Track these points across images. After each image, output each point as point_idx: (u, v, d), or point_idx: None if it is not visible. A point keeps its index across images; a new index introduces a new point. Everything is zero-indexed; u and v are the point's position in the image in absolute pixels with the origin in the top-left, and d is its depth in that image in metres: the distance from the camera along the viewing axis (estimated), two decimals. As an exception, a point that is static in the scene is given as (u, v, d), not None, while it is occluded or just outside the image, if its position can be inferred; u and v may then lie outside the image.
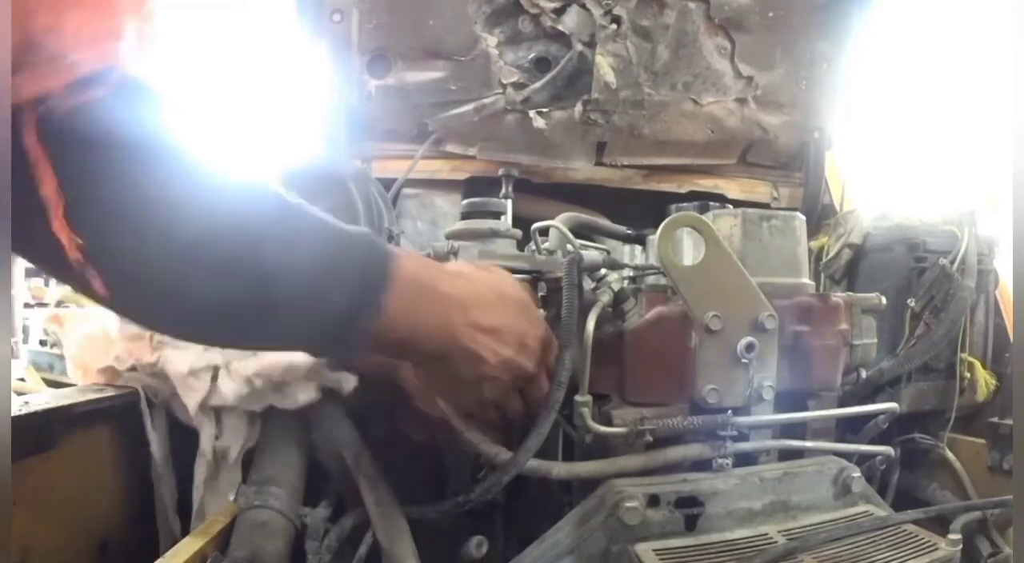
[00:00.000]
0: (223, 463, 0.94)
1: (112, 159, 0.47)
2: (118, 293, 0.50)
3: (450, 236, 0.94)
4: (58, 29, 0.42)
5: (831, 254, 1.33)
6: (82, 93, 0.44)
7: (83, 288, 0.49)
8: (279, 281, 0.53)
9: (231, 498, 0.90)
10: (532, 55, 1.48)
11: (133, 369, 0.99)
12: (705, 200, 0.98)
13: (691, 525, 0.70)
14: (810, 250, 1.33)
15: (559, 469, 0.75)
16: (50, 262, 0.51)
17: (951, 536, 0.68)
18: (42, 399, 0.91)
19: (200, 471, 0.94)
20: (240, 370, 0.91)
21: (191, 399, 0.93)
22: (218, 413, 0.95)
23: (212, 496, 0.94)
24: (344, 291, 0.56)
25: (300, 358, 0.88)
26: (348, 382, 0.88)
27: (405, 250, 0.62)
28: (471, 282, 0.66)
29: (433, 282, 0.62)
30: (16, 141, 0.42)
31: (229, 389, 0.91)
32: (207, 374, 0.92)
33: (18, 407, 0.85)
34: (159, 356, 0.96)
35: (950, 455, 1.12)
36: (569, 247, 0.88)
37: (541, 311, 0.77)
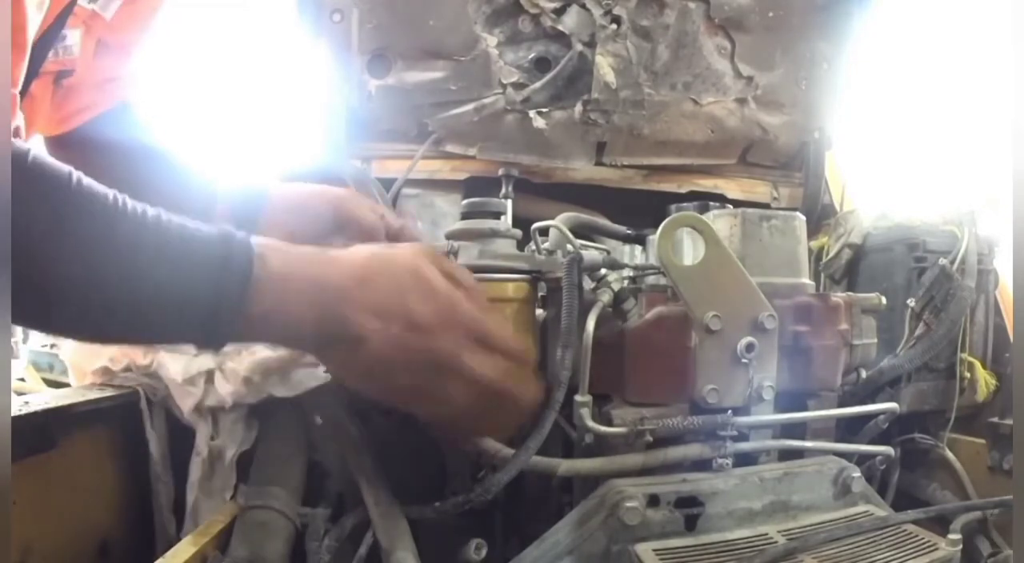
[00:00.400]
0: (218, 464, 0.95)
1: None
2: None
3: (450, 236, 0.94)
4: None
5: (831, 254, 1.33)
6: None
7: None
8: (145, 285, 0.54)
9: (227, 497, 0.90)
10: (532, 55, 1.48)
11: (128, 370, 0.99)
12: (705, 200, 0.98)
13: (691, 525, 0.70)
14: (810, 250, 1.33)
15: (559, 467, 0.75)
16: None
17: (951, 536, 0.68)
18: (42, 399, 0.92)
19: (195, 470, 0.94)
20: (235, 370, 0.91)
21: (186, 403, 0.93)
22: (214, 413, 0.95)
23: (206, 496, 0.95)
24: (203, 290, 0.55)
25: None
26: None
27: (272, 243, 0.59)
28: (349, 263, 0.61)
29: (302, 270, 0.59)
30: None
31: (225, 390, 0.91)
32: (201, 378, 0.92)
33: (18, 407, 0.85)
34: (153, 359, 0.97)
35: (950, 455, 1.12)
36: (569, 247, 0.88)
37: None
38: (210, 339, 0.57)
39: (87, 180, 0.53)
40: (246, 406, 0.95)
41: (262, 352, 0.90)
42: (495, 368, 0.63)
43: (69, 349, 1.05)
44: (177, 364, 0.94)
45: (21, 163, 0.50)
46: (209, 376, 0.93)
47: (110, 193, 0.54)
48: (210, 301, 0.56)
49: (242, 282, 0.56)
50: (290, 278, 0.58)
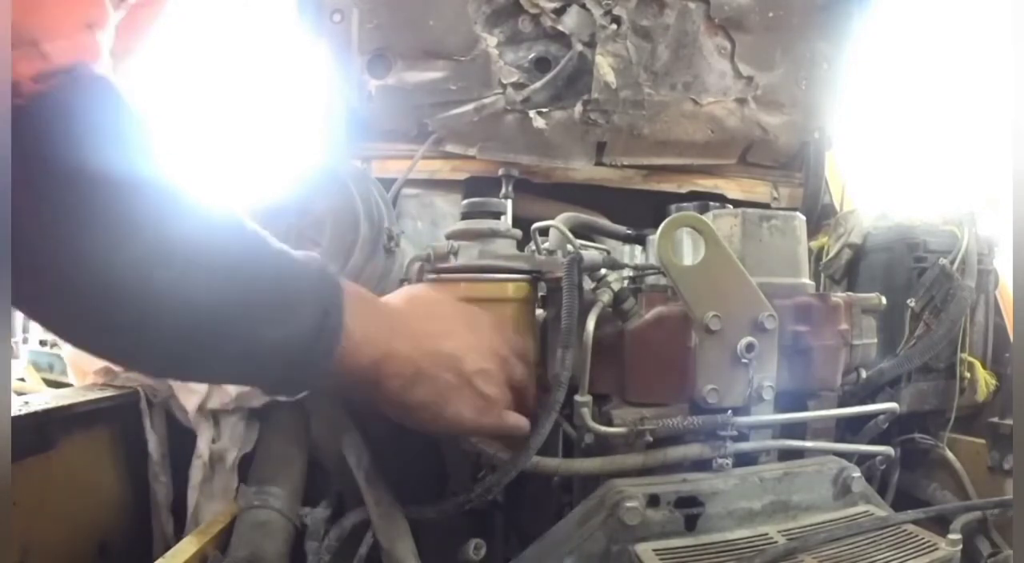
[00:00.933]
0: (219, 466, 0.95)
1: (67, 169, 0.44)
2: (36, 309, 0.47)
3: (450, 236, 0.94)
4: (39, 14, 0.41)
5: (831, 254, 1.33)
6: (47, 84, 0.42)
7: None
8: (234, 315, 0.51)
9: (229, 500, 0.90)
10: (532, 55, 1.48)
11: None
12: (705, 200, 0.98)
13: (691, 525, 0.70)
14: (810, 250, 1.33)
15: (559, 467, 0.75)
16: None
17: (951, 536, 0.68)
18: (42, 399, 0.92)
19: (196, 473, 0.94)
20: None
21: (189, 401, 0.93)
22: (216, 416, 0.95)
23: (207, 499, 0.95)
24: (302, 317, 0.54)
25: None
26: None
27: (352, 289, 0.60)
28: (405, 299, 0.67)
29: (376, 302, 0.63)
30: None
31: (230, 391, 0.91)
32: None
33: (18, 407, 0.85)
34: None
35: (950, 455, 1.12)
36: (569, 247, 0.88)
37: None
38: (309, 361, 0.55)
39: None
40: (247, 408, 0.95)
41: None
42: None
43: (70, 349, 1.05)
44: None
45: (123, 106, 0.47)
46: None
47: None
48: (313, 314, 0.54)
49: (337, 293, 0.56)
50: (370, 309, 0.61)
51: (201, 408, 0.94)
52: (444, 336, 0.65)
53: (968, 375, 1.14)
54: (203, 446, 0.94)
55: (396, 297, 0.69)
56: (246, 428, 0.95)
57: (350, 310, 0.57)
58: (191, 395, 0.93)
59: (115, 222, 0.45)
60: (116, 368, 0.99)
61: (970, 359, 1.14)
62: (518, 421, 0.71)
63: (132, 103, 0.47)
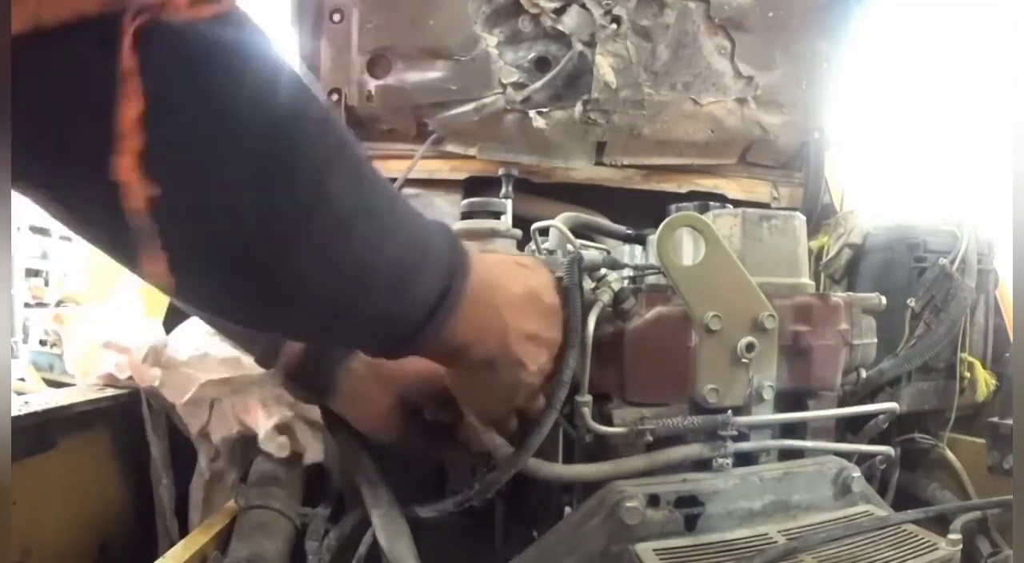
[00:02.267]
0: (219, 486, 0.95)
1: (222, 92, 0.38)
2: (183, 264, 0.41)
3: (450, 236, 0.94)
4: None
5: (831, 254, 1.33)
6: (203, 8, 0.37)
7: (127, 257, 0.40)
8: (375, 255, 0.48)
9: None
10: (532, 55, 1.48)
11: (131, 378, 0.99)
12: (705, 200, 0.98)
13: (691, 525, 0.69)
14: (810, 250, 1.33)
15: (560, 472, 0.75)
16: (91, 218, 0.40)
17: (951, 536, 0.68)
18: (42, 399, 0.92)
19: (196, 492, 0.95)
20: (234, 413, 0.91)
21: (192, 424, 0.93)
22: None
23: (209, 516, 0.95)
24: (430, 282, 0.52)
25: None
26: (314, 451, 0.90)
27: (470, 246, 0.58)
28: (519, 286, 0.65)
29: (493, 284, 0.60)
30: (96, 52, 0.34)
31: (225, 429, 0.91)
32: (204, 405, 0.92)
33: (18, 407, 0.85)
34: (158, 381, 0.97)
35: (950, 455, 1.12)
36: (569, 247, 0.88)
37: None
38: (419, 331, 0.53)
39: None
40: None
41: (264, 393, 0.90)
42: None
43: (74, 353, 1.05)
44: (183, 388, 0.93)
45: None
46: (211, 405, 0.92)
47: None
48: (440, 283, 0.53)
49: (463, 279, 0.55)
50: (485, 287, 0.58)
51: (202, 432, 0.94)
52: (528, 341, 0.65)
53: (968, 375, 1.14)
54: (204, 464, 0.94)
55: (513, 276, 0.65)
56: (243, 451, 0.96)
57: (469, 295, 0.55)
58: (194, 419, 0.93)
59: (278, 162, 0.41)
60: (120, 376, 0.99)
61: (970, 359, 1.15)
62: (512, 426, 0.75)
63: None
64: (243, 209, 0.40)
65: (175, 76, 0.36)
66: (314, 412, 0.91)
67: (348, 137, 0.47)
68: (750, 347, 0.72)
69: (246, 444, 0.95)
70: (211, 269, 0.43)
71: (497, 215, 0.94)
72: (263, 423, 0.91)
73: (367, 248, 0.47)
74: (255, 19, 0.41)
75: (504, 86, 1.50)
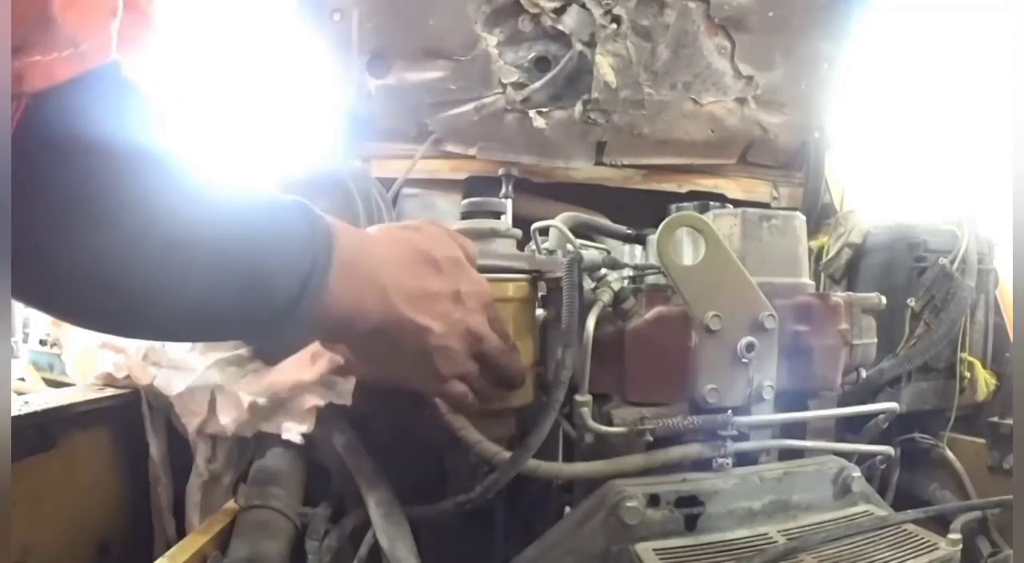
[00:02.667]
0: (215, 487, 0.95)
1: (97, 165, 0.42)
2: (66, 296, 0.45)
3: (450, 236, 0.94)
4: (76, 7, 0.37)
5: (831, 254, 1.33)
6: (84, 90, 0.39)
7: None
8: (219, 254, 0.49)
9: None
10: (532, 55, 1.48)
11: (129, 377, 0.99)
12: (705, 200, 0.98)
13: (691, 525, 0.70)
14: (810, 250, 1.33)
15: (560, 470, 0.75)
16: None
17: (951, 536, 0.68)
18: (42, 399, 0.92)
19: (194, 493, 0.94)
20: (240, 392, 0.91)
21: (190, 422, 0.93)
22: (214, 438, 0.95)
23: (206, 517, 0.95)
24: (291, 267, 0.52)
25: (305, 375, 0.88)
26: (346, 393, 0.88)
27: (337, 221, 0.57)
28: (399, 246, 0.63)
29: (367, 252, 0.59)
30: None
31: (228, 417, 0.91)
32: (204, 395, 0.92)
33: (18, 407, 0.85)
34: (156, 376, 0.96)
35: (950, 455, 1.12)
36: (569, 247, 0.88)
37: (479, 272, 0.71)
38: (289, 314, 0.52)
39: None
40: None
41: (271, 376, 0.90)
42: (497, 346, 0.69)
43: (73, 354, 1.05)
44: (182, 380, 0.93)
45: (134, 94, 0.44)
46: (212, 402, 0.92)
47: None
48: (302, 266, 0.51)
49: (327, 254, 0.53)
50: (357, 259, 0.57)
51: (200, 430, 0.94)
52: (421, 301, 0.62)
53: (968, 375, 1.14)
54: (201, 464, 0.94)
55: (391, 239, 0.64)
56: (241, 452, 0.95)
57: (337, 268, 0.54)
58: (192, 416, 0.93)
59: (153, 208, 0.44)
60: (118, 375, 0.99)
61: (970, 359, 1.14)
62: (456, 390, 0.69)
63: (147, 96, 0.45)
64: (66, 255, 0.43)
65: (55, 158, 0.40)
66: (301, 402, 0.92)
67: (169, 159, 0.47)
68: (750, 347, 0.72)
69: (243, 445, 0.95)
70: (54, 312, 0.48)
71: (497, 215, 0.94)
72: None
73: (206, 263, 0.48)
74: (139, 78, 0.43)
75: (504, 86, 1.50)
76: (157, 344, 0.97)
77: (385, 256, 0.61)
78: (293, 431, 0.90)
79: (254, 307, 0.52)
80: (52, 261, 0.43)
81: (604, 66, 1.45)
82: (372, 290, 0.58)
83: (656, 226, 0.73)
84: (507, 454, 0.75)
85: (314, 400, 0.88)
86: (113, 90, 0.42)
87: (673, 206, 0.99)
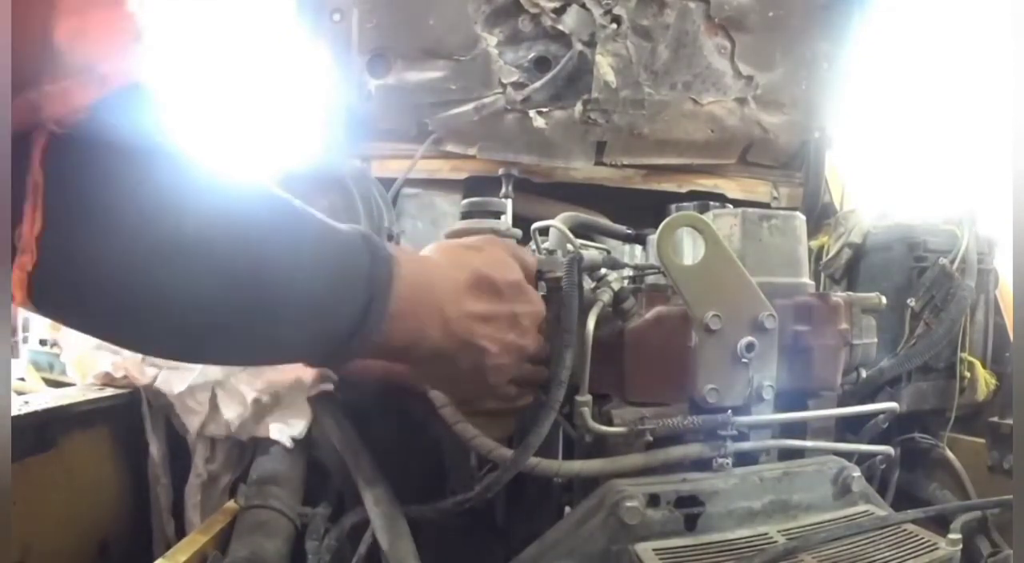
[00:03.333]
0: (213, 488, 0.95)
1: (110, 169, 0.42)
2: (91, 309, 0.45)
3: (450, 235, 0.94)
4: (84, 34, 0.37)
5: (831, 254, 1.33)
6: (109, 112, 0.39)
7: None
8: (281, 290, 0.50)
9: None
10: (532, 55, 1.48)
11: (127, 377, 0.99)
12: (705, 200, 0.98)
13: (691, 525, 0.70)
14: (810, 250, 1.33)
15: (559, 468, 0.75)
16: None
17: (951, 536, 0.68)
18: (42, 399, 0.92)
19: (193, 494, 0.95)
20: (242, 386, 0.91)
21: (191, 421, 0.93)
22: (213, 439, 0.95)
23: (205, 517, 0.95)
24: (350, 301, 0.54)
25: (305, 373, 0.88)
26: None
27: (399, 248, 0.61)
28: (461, 271, 0.65)
29: (429, 279, 0.62)
30: (23, 163, 0.37)
31: (232, 412, 0.91)
32: (205, 396, 0.92)
33: (18, 407, 0.85)
34: (155, 376, 0.96)
35: (950, 455, 1.12)
36: (569, 247, 0.88)
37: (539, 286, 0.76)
38: (350, 344, 0.55)
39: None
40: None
41: (271, 373, 0.90)
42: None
43: (72, 354, 1.05)
44: (182, 379, 0.93)
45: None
46: (213, 400, 0.92)
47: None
48: (361, 299, 0.54)
49: (388, 284, 0.55)
50: (418, 286, 0.59)
51: (200, 432, 0.94)
52: (480, 325, 0.64)
53: (968, 375, 1.14)
54: (200, 465, 0.94)
55: (453, 263, 0.66)
56: (239, 454, 0.95)
57: (396, 294, 0.56)
58: (193, 415, 0.93)
59: (166, 209, 0.44)
60: (116, 373, 0.99)
61: (970, 359, 1.14)
62: (506, 392, 0.74)
63: (166, 99, 0.45)
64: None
65: (73, 181, 0.40)
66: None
67: (240, 190, 0.49)
68: (750, 347, 0.72)
69: (242, 446, 0.95)
70: (111, 311, 0.46)
71: (497, 215, 0.94)
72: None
73: (268, 298, 0.50)
74: (152, 83, 0.43)
75: (504, 86, 1.50)
76: None
77: (446, 282, 0.63)
78: (284, 434, 0.90)
79: (318, 336, 0.55)
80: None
81: (604, 66, 1.45)
82: (432, 317, 0.61)
83: (656, 226, 0.73)
84: (505, 450, 0.76)
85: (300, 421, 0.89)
86: (140, 110, 0.42)
87: (673, 206, 0.99)
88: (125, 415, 0.98)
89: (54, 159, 0.38)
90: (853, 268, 1.30)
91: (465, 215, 0.94)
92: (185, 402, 0.93)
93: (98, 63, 0.38)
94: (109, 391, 0.99)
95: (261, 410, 0.90)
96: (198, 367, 0.92)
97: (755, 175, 1.72)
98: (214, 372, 0.91)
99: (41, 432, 0.86)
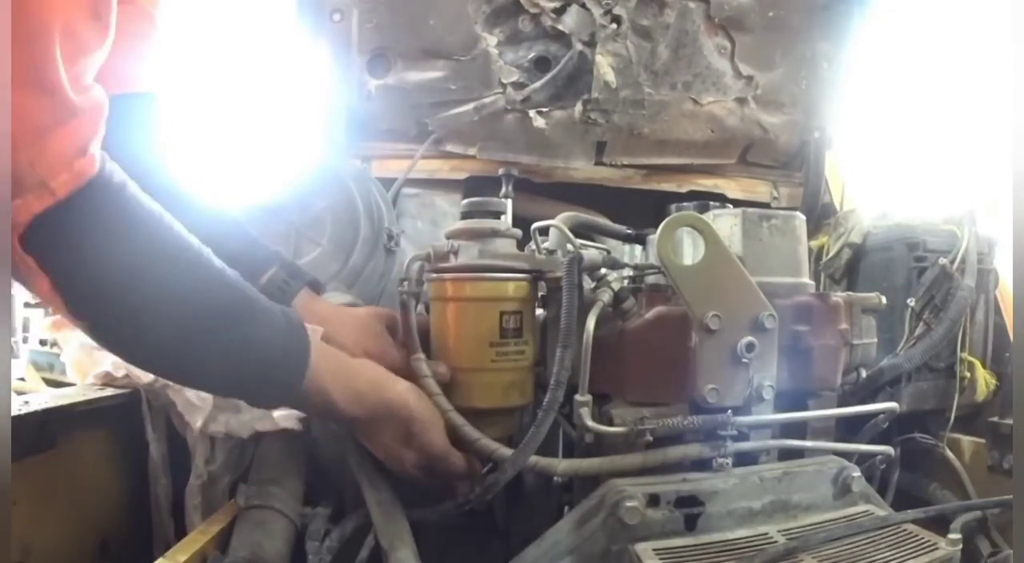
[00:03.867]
0: (212, 489, 0.95)
1: (99, 250, 0.56)
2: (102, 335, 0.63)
3: (450, 236, 0.94)
4: (40, 160, 0.50)
5: (831, 254, 1.33)
6: (65, 209, 0.52)
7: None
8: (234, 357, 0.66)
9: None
10: (532, 55, 1.48)
11: (127, 377, 0.99)
12: (705, 200, 0.98)
13: (691, 525, 0.70)
14: (810, 250, 1.33)
15: (560, 467, 0.75)
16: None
17: (951, 536, 0.68)
18: (42, 399, 0.92)
19: (194, 494, 0.94)
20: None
21: (194, 419, 0.93)
22: (213, 439, 0.95)
23: (205, 518, 0.95)
24: (284, 366, 0.68)
25: None
26: None
27: (315, 342, 0.72)
28: (362, 404, 0.75)
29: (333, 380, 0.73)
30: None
31: (234, 406, 0.91)
32: (206, 397, 0.92)
33: (18, 407, 0.85)
34: (156, 377, 0.96)
35: (950, 455, 1.12)
36: (569, 247, 0.88)
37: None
38: (270, 391, 0.70)
39: (168, 217, 0.62)
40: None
41: None
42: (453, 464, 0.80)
43: (72, 354, 1.05)
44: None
45: (118, 194, 0.58)
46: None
47: (193, 241, 0.63)
48: (290, 364, 0.68)
49: (304, 358, 0.69)
50: (325, 378, 0.71)
51: (203, 427, 0.94)
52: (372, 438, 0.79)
53: (968, 375, 1.14)
54: (201, 465, 0.94)
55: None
56: (239, 454, 0.95)
57: (315, 347, 0.70)
58: (196, 412, 0.93)
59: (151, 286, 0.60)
60: (116, 374, 0.99)
61: (970, 359, 1.14)
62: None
63: (133, 191, 0.59)
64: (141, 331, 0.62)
65: (62, 256, 0.55)
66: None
67: (206, 268, 0.64)
68: (750, 347, 0.72)
69: (242, 446, 0.95)
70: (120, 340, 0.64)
71: (497, 215, 0.94)
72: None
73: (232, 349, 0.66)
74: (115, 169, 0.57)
75: (504, 86, 1.50)
76: None
77: (354, 406, 0.75)
78: (291, 420, 0.90)
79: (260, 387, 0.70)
80: None
81: (604, 66, 1.45)
82: (350, 375, 0.75)
83: (656, 226, 0.73)
84: (507, 451, 0.76)
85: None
86: (99, 192, 0.55)
87: (673, 206, 0.99)
88: (125, 415, 0.98)
89: (36, 245, 0.53)
90: (853, 268, 1.29)
91: (465, 215, 0.94)
92: (188, 399, 0.93)
93: (52, 179, 0.51)
94: (109, 391, 0.99)
95: (245, 442, 0.91)
96: None
97: (755, 175, 1.72)
98: None
99: (41, 432, 0.86)
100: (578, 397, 0.75)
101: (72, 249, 0.55)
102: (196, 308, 0.62)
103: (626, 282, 0.88)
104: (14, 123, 0.48)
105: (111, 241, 0.57)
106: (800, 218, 0.86)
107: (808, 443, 0.79)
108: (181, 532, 0.97)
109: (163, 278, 0.60)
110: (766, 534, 0.69)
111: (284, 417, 0.90)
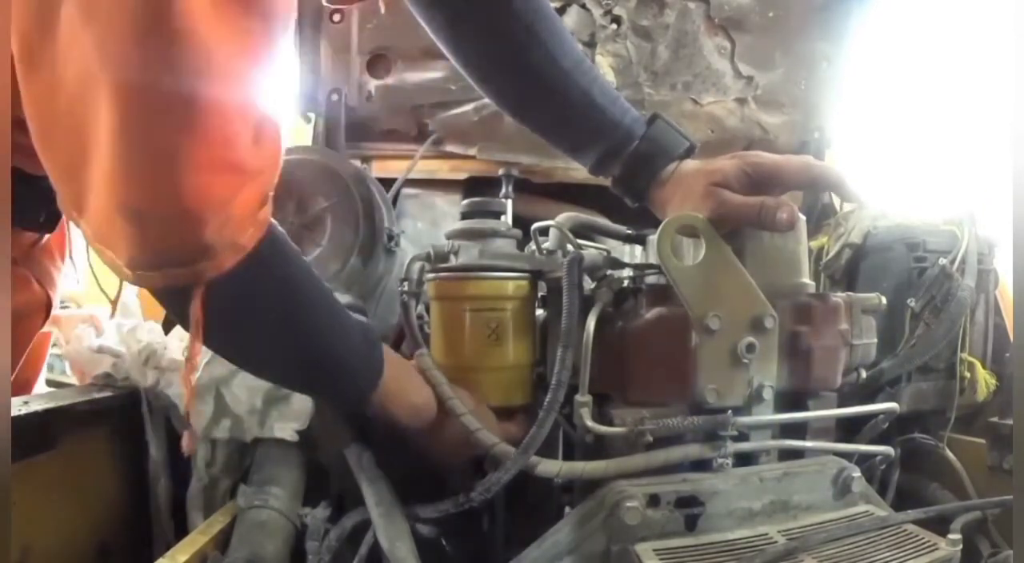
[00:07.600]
0: (216, 489, 0.95)
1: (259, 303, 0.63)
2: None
3: (450, 236, 0.94)
4: (228, 224, 0.54)
5: (831, 254, 1.32)
6: (256, 260, 0.57)
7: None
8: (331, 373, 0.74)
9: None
10: (532, 55, 1.47)
11: (127, 378, 0.99)
12: (705, 200, 0.98)
13: (691, 525, 0.70)
14: (810, 250, 1.33)
15: (557, 468, 0.75)
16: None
17: (951, 536, 0.68)
18: (42, 399, 0.92)
19: (195, 497, 0.94)
20: (247, 384, 0.91)
21: (197, 421, 0.93)
22: (214, 441, 0.95)
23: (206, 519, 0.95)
24: (364, 378, 0.75)
25: None
26: None
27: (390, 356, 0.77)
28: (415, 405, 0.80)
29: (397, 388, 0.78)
30: (178, 303, 0.58)
31: (241, 407, 0.91)
32: (210, 391, 0.92)
33: (18, 407, 0.85)
34: (156, 379, 0.96)
35: (950, 455, 1.12)
36: (569, 247, 0.88)
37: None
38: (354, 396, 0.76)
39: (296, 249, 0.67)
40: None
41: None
42: None
43: (72, 353, 1.05)
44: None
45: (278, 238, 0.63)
46: (218, 398, 0.92)
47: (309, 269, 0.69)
48: (367, 382, 0.74)
49: (379, 359, 0.75)
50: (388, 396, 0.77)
51: (207, 430, 0.94)
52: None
53: (968, 375, 1.14)
54: (201, 468, 0.94)
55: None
56: (240, 457, 0.95)
57: (387, 359, 0.76)
58: (199, 416, 0.93)
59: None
60: (116, 373, 0.99)
61: (970, 359, 1.14)
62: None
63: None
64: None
65: (229, 312, 0.61)
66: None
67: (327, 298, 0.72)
68: (750, 347, 0.72)
69: (243, 449, 0.95)
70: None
71: (497, 215, 0.94)
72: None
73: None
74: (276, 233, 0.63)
75: (504, 86, 1.49)
76: (158, 348, 0.97)
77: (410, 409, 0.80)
78: (287, 430, 0.90)
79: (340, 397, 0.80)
80: None
81: (604, 66, 1.45)
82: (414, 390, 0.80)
83: (656, 226, 0.73)
84: (506, 446, 0.76)
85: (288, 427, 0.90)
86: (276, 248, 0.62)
87: (673, 206, 0.98)
88: (125, 415, 0.98)
89: (209, 304, 0.57)
90: (853, 268, 1.29)
91: (465, 215, 0.94)
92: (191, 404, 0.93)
93: (239, 236, 0.56)
94: (109, 391, 0.99)
95: (269, 404, 0.91)
96: (198, 366, 0.92)
97: (755, 175, 1.71)
98: (220, 371, 0.91)
99: (41, 432, 0.86)
100: (578, 397, 0.75)
101: (244, 298, 0.61)
102: (304, 332, 0.68)
103: (626, 282, 0.88)
104: (201, 202, 0.51)
105: (280, 284, 0.64)
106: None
107: (808, 443, 0.79)
108: (181, 533, 0.97)
109: (297, 317, 0.66)
110: (766, 534, 0.69)
111: (280, 428, 0.90)
